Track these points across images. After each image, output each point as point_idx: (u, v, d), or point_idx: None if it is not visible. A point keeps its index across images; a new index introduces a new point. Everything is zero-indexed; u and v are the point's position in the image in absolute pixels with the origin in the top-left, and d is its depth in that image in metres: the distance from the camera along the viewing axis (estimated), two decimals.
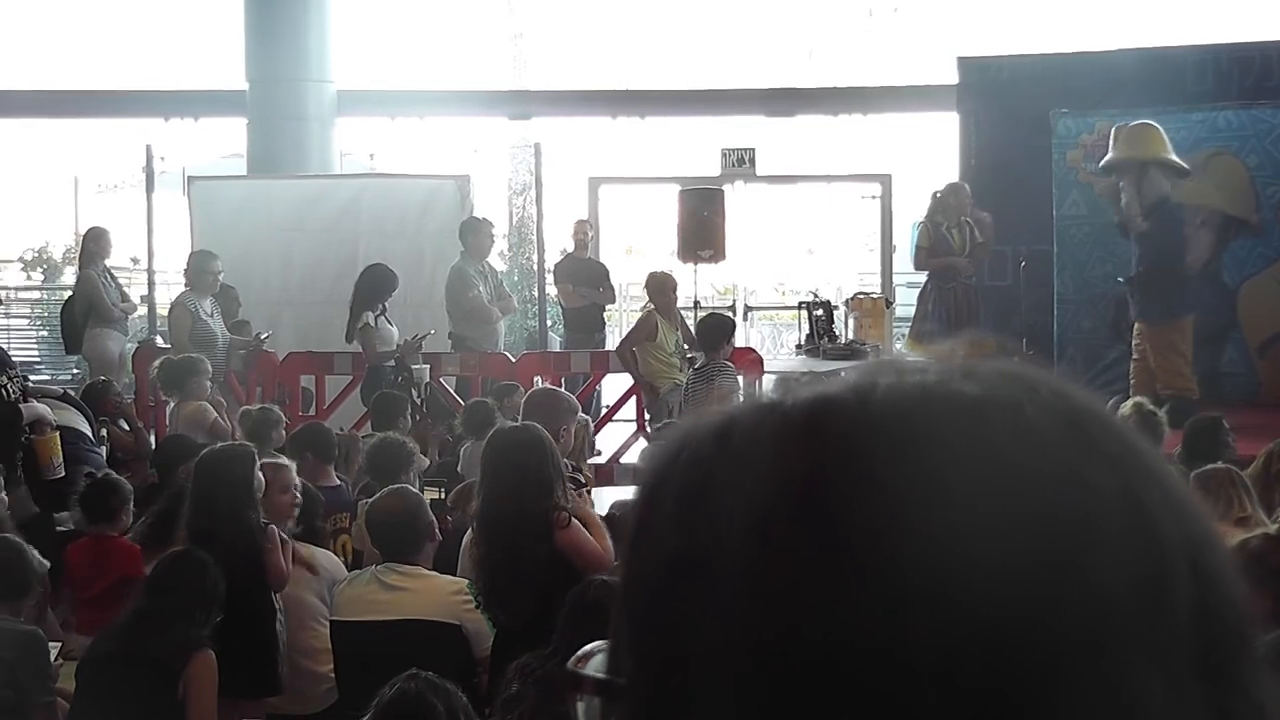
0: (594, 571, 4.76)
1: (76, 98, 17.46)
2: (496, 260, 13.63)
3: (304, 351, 10.67)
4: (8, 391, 7.17)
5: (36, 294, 19.34)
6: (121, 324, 11.51)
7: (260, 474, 5.38)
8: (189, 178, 13.50)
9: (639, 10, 20.78)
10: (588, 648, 0.73)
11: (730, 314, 11.48)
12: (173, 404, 8.84)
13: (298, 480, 5.78)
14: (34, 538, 5.38)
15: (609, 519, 5.04)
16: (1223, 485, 5.16)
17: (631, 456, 9.76)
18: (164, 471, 6.86)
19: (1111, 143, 10.03)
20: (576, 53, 20.43)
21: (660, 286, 10.22)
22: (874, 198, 15.81)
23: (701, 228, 12.01)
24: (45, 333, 17.55)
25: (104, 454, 7.84)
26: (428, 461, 7.30)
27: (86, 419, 7.82)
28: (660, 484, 0.68)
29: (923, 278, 11.44)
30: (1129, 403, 7.14)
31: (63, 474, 6.99)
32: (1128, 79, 11.25)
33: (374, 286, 10.00)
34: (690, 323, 10.62)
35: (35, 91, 17.63)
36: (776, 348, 16.85)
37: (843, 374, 0.68)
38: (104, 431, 8.08)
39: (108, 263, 11.70)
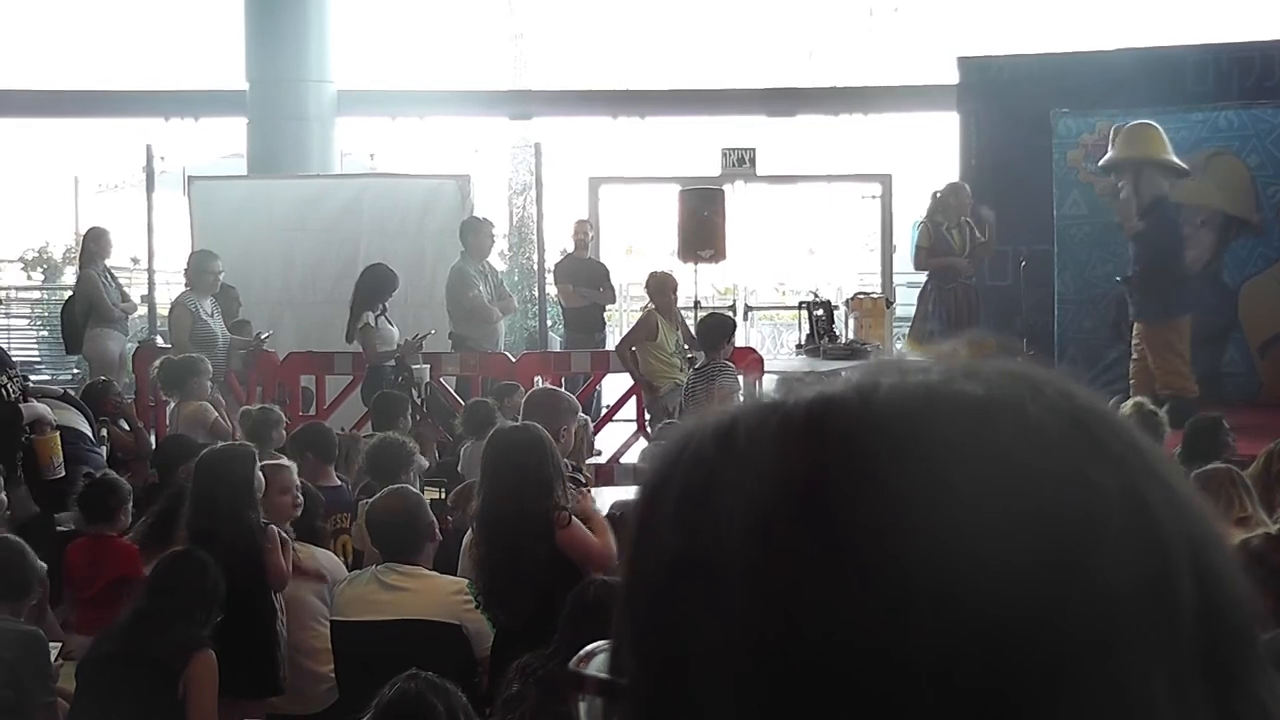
0: (597, 569, 4.77)
1: (77, 97, 17.46)
2: (497, 260, 13.64)
3: (304, 351, 10.67)
4: (8, 391, 7.17)
5: (37, 294, 19.36)
6: (122, 324, 11.51)
7: (260, 474, 5.38)
8: (189, 178, 13.50)
9: (639, 10, 20.79)
10: (590, 647, 0.72)
11: (730, 314, 11.48)
12: (173, 404, 8.84)
13: (298, 481, 5.78)
14: (34, 538, 5.38)
15: (611, 519, 5.03)
16: (1223, 485, 5.16)
17: (631, 457, 9.76)
18: (164, 471, 6.86)
19: (1111, 142, 10.04)
20: (577, 53, 20.44)
21: (661, 286, 10.22)
22: (874, 198, 15.81)
23: (702, 228, 12.00)
24: (45, 333, 17.56)
25: (104, 454, 7.84)
26: (427, 463, 7.30)
27: (87, 419, 7.82)
28: (662, 484, 0.68)
29: (923, 278, 11.44)
30: (1129, 403, 7.14)
31: (63, 474, 6.99)
32: (1128, 79, 11.25)
33: (374, 286, 10.00)
34: (690, 323, 10.62)
35: (35, 91, 17.63)
36: (777, 348, 16.84)
37: (845, 374, 0.67)
38: (104, 431, 8.08)
39: (108, 263, 11.70)
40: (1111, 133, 10.12)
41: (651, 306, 10.30)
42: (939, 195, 11.25)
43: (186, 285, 10.58)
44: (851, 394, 0.65)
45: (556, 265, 12.89)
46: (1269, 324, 11.31)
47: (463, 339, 10.78)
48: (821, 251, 20.70)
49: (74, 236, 17.29)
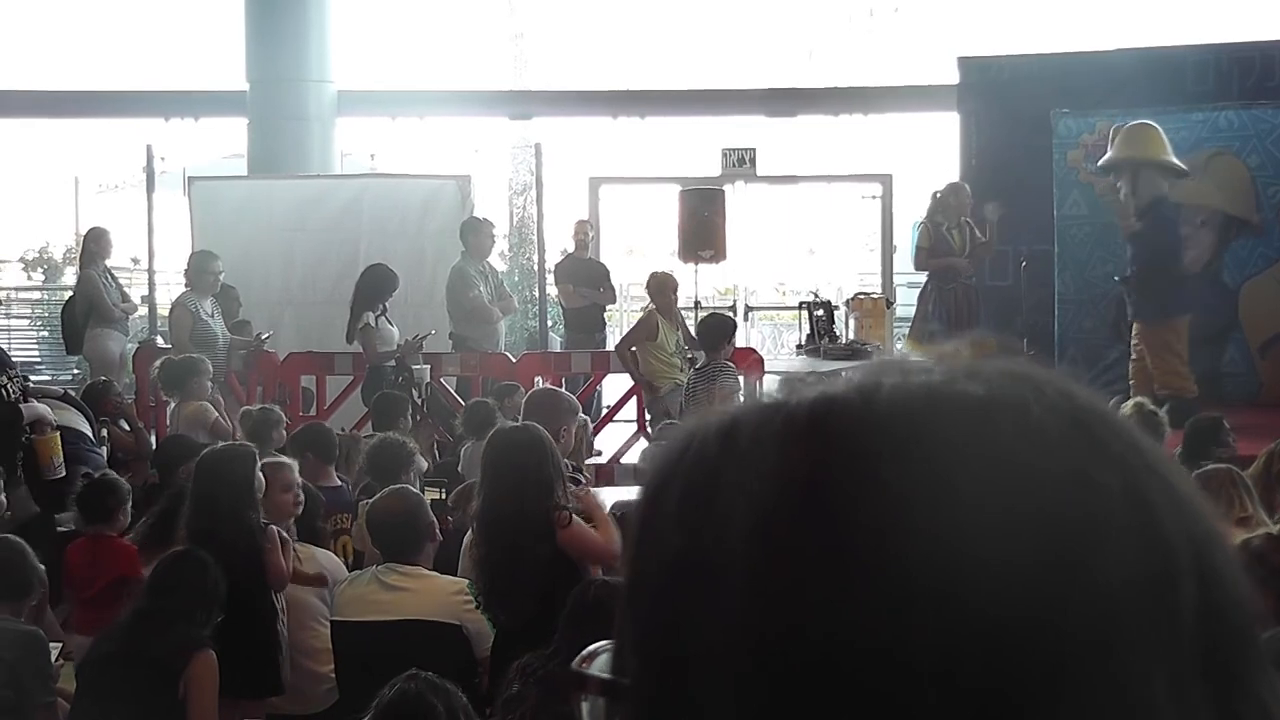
0: (600, 566, 4.78)
1: (77, 98, 17.46)
2: (497, 260, 13.63)
3: (305, 352, 10.67)
4: (8, 391, 7.17)
5: (37, 294, 19.36)
6: (122, 324, 11.52)
7: (261, 474, 5.38)
8: (189, 178, 13.50)
9: (639, 10, 20.80)
10: (592, 647, 0.72)
11: (731, 314, 11.48)
12: (173, 404, 8.84)
13: (299, 479, 5.78)
14: (34, 538, 5.38)
15: (613, 519, 5.03)
16: (1223, 485, 5.16)
17: (632, 457, 9.76)
18: (164, 472, 6.86)
19: (1110, 143, 10.04)
20: (577, 53, 20.46)
21: (661, 287, 10.22)
22: (874, 198, 15.81)
23: (702, 228, 12.00)
24: (46, 333, 17.56)
25: (104, 454, 7.84)
26: (426, 464, 7.30)
27: (87, 419, 7.82)
28: (664, 484, 0.68)
29: (923, 278, 11.44)
30: (1130, 403, 7.14)
31: (63, 474, 6.98)
32: (1128, 79, 11.26)
33: (375, 287, 10.00)
34: (691, 323, 10.62)
35: (36, 91, 17.63)
36: (777, 348, 16.85)
37: (847, 374, 0.67)
38: (104, 432, 8.08)
39: (108, 263, 11.70)
40: (1111, 133, 10.12)
41: (652, 307, 10.30)
42: (939, 195, 11.24)
43: (187, 285, 10.58)
44: (854, 394, 0.65)
45: (557, 265, 12.88)
46: (1269, 324, 11.31)
47: (463, 339, 10.78)
48: (822, 252, 20.72)
49: (74, 237, 17.30)
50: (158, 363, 9.07)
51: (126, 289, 12.00)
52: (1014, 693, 0.59)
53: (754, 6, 20.68)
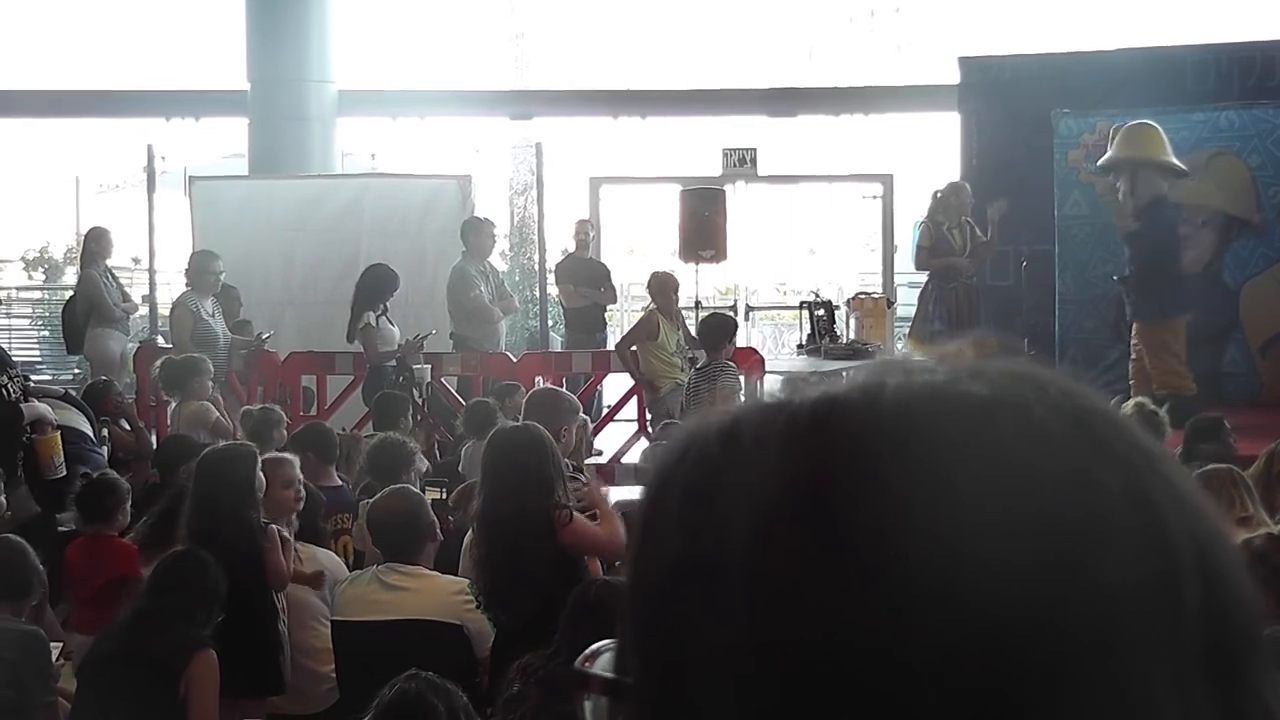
0: (606, 558, 4.78)
1: (78, 97, 17.46)
2: (498, 260, 13.63)
3: (305, 351, 10.67)
4: (9, 391, 7.17)
5: (38, 294, 19.36)
6: (123, 324, 11.52)
7: (261, 474, 5.38)
8: (190, 178, 13.51)
9: (640, 10, 20.80)
10: (595, 646, 0.72)
11: (732, 314, 11.47)
12: (174, 404, 8.83)
13: (300, 475, 5.78)
14: (35, 538, 5.38)
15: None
16: (1224, 485, 5.15)
17: (632, 457, 9.76)
18: (165, 471, 6.86)
19: (1110, 142, 10.04)
20: (578, 53, 20.46)
21: (662, 286, 10.22)
22: (875, 198, 15.80)
23: (703, 228, 12.00)
24: (46, 333, 17.56)
25: (105, 454, 7.84)
26: (426, 464, 7.30)
27: (88, 419, 7.82)
28: (665, 485, 0.68)
29: (924, 278, 11.43)
30: (1130, 402, 7.14)
31: (64, 474, 6.98)
32: (1129, 79, 11.26)
33: (375, 286, 10.00)
34: (691, 323, 10.61)
35: (36, 91, 17.64)
36: (778, 348, 16.84)
37: (850, 374, 0.67)
38: (105, 431, 8.08)
39: (109, 263, 11.71)
40: (1111, 133, 10.12)
41: (653, 306, 10.30)
42: (940, 195, 11.24)
43: (187, 285, 10.58)
44: (857, 394, 0.65)
45: (557, 265, 12.88)
46: (1269, 324, 11.31)
47: (464, 339, 10.78)
48: (822, 251, 20.72)
49: (75, 236, 17.30)
50: (158, 362, 9.07)
51: (127, 289, 12.00)
52: (1014, 693, 0.59)
53: (754, 6, 20.68)
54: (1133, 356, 9.79)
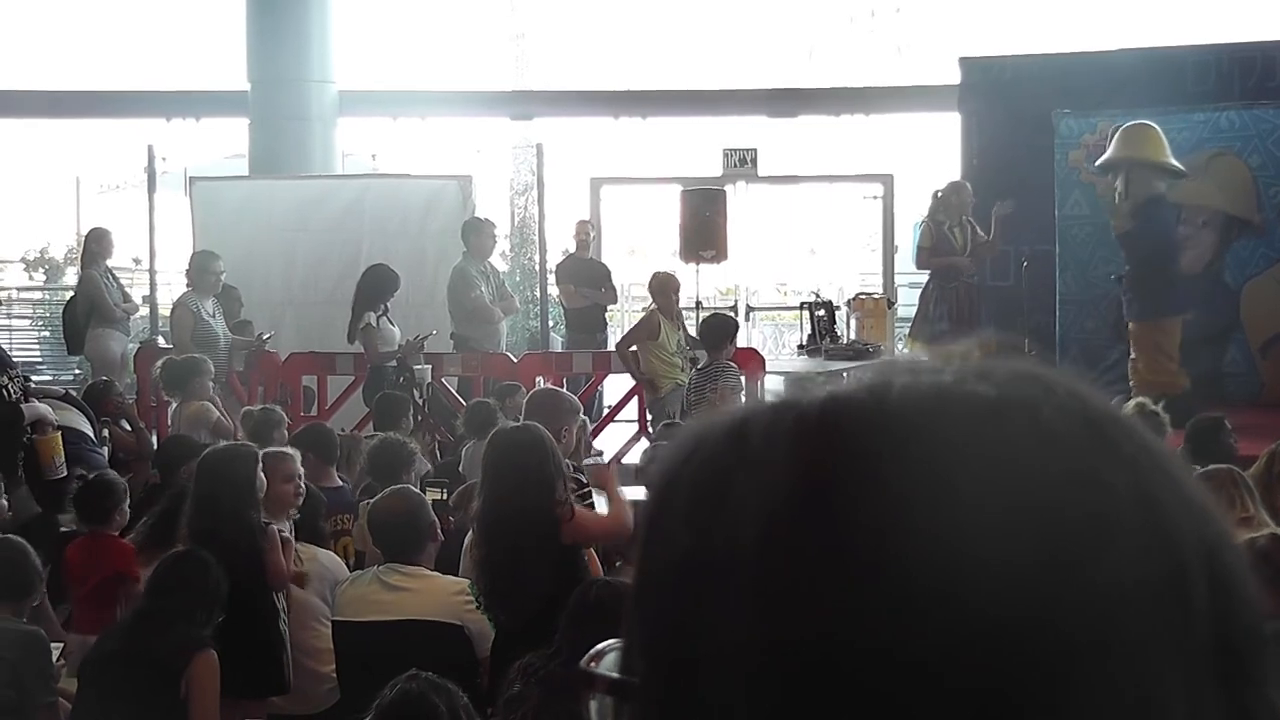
0: (614, 542, 4.79)
1: (78, 98, 17.46)
2: (498, 260, 13.64)
3: (306, 352, 10.67)
4: (9, 392, 7.18)
5: (38, 294, 19.36)
6: (123, 324, 11.52)
7: (262, 475, 5.38)
8: (191, 178, 13.51)
9: (641, 10, 20.79)
10: (601, 646, 0.72)
11: (732, 314, 11.48)
12: (174, 404, 8.84)
13: (301, 470, 5.78)
14: (36, 538, 5.38)
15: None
16: (1225, 485, 5.15)
17: (633, 457, 9.75)
18: (166, 472, 6.87)
19: (1109, 142, 10.05)
20: (578, 53, 20.46)
21: (663, 287, 10.21)
22: (876, 198, 15.80)
23: (703, 228, 12.00)
24: (47, 333, 17.56)
25: (106, 454, 7.84)
26: (427, 465, 7.31)
27: (88, 419, 7.83)
28: (673, 484, 0.68)
29: (924, 278, 11.43)
30: (1131, 403, 7.14)
31: (64, 474, 6.99)
32: (1129, 79, 11.26)
33: (376, 287, 10.01)
34: (692, 323, 10.62)
35: (37, 92, 17.63)
36: (778, 348, 16.84)
37: (859, 374, 0.67)
38: (106, 432, 8.08)
39: (110, 263, 11.71)
40: (1110, 133, 10.13)
41: (654, 306, 10.30)
42: (941, 194, 11.24)
43: (188, 286, 10.58)
44: (864, 394, 0.65)
45: (558, 266, 12.89)
46: (1270, 324, 11.30)
47: (464, 339, 10.78)
48: (823, 252, 20.71)
49: (75, 237, 17.31)
50: (159, 363, 9.07)
51: (128, 289, 12.01)
52: (1013, 692, 0.59)
53: (755, 6, 20.68)
54: (1132, 356, 9.80)
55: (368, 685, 3.60)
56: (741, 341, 10.29)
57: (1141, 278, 9.67)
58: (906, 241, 14.75)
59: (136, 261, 15.97)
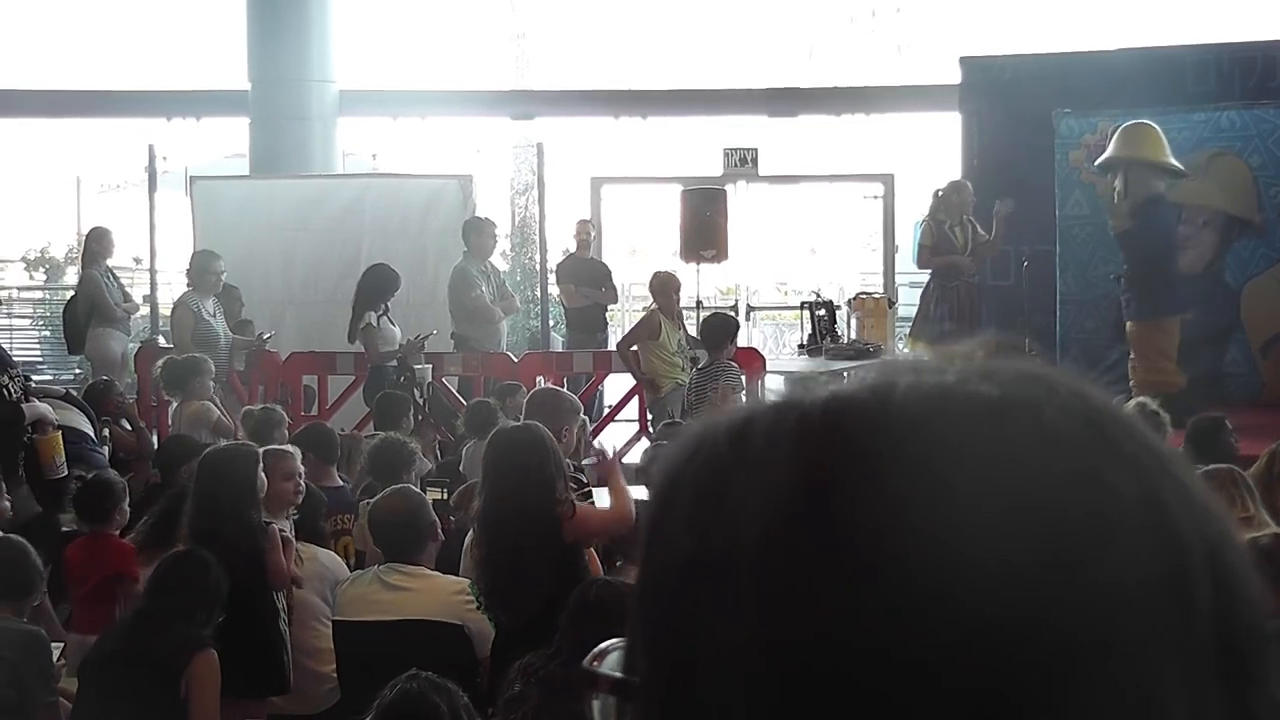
0: (618, 533, 4.80)
1: (79, 97, 17.47)
2: (499, 260, 13.63)
3: (306, 351, 10.68)
4: (9, 391, 7.18)
5: (39, 294, 19.37)
6: (124, 324, 11.52)
7: (263, 475, 5.38)
8: (191, 177, 13.52)
9: (641, 10, 20.80)
10: (603, 645, 0.72)
11: (733, 314, 11.47)
12: (175, 404, 8.84)
13: (301, 468, 5.78)
14: (36, 537, 5.38)
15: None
16: (1225, 485, 5.15)
17: (633, 457, 9.75)
18: (166, 471, 6.87)
19: (1109, 142, 10.05)
20: (579, 52, 20.47)
21: (664, 286, 10.21)
22: (876, 198, 15.81)
23: (704, 228, 12.00)
24: (47, 333, 17.56)
25: (106, 454, 7.85)
26: (430, 464, 7.31)
27: (89, 419, 7.83)
28: (675, 484, 0.68)
29: (925, 277, 11.43)
30: (1132, 402, 7.12)
31: (65, 473, 6.99)
32: (1130, 79, 11.26)
33: (376, 286, 10.01)
34: (692, 323, 10.61)
35: (37, 91, 17.64)
36: (779, 348, 16.85)
37: (862, 374, 0.67)
38: (106, 431, 8.08)
39: (110, 263, 11.71)
40: (1110, 133, 10.13)
41: (654, 306, 10.30)
42: (942, 193, 11.24)
43: (189, 285, 10.58)
44: (868, 394, 0.65)
45: (558, 265, 12.89)
46: (1270, 324, 11.30)
47: (465, 339, 10.78)
48: (823, 251, 20.71)
49: (76, 236, 17.32)
50: (160, 362, 9.07)
51: (128, 289, 12.01)
52: (1012, 693, 0.59)
53: (755, 6, 20.68)
54: (1132, 356, 9.80)
55: (368, 685, 3.59)
56: (742, 341, 10.29)
57: (1140, 277, 9.67)
58: (907, 241, 14.75)
59: (137, 261, 15.97)
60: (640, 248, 18.15)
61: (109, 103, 17.44)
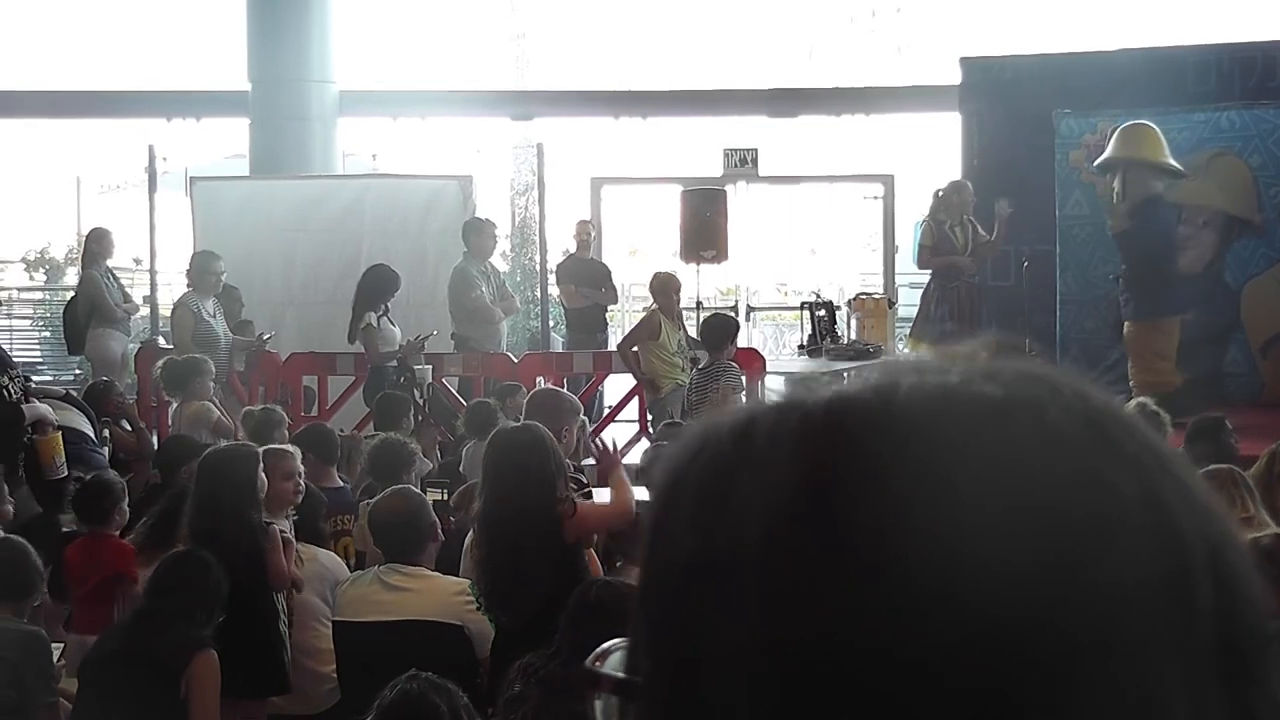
0: (619, 527, 4.81)
1: (79, 98, 17.47)
2: (499, 261, 13.64)
3: (306, 352, 10.67)
4: (9, 392, 7.18)
5: (39, 294, 19.37)
6: (124, 324, 11.53)
7: (263, 475, 5.38)
8: (191, 178, 13.52)
9: (641, 10, 20.80)
10: (606, 645, 0.72)
11: (733, 314, 11.47)
12: (175, 404, 8.84)
13: (301, 468, 5.78)
14: (36, 538, 5.38)
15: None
16: (1225, 485, 5.15)
17: (633, 457, 9.75)
18: (166, 472, 6.87)
19: (1109, 142, 10.06)
20: (579, 53, 20.46)
21: (664, 287, 10.22)
22: (876, 198, 15.81)
23: (704, 228, 12.00)
24: (47, 333, 17.57)
25: (106, 454, 7.84)
26: (430, 465, 7.31)
27: (89, 419, 7.83)
28: (678, 484, 0.68)
29: (925, 277, 11.43)
30: (1132, 403, 7.13)
31: (65, 474, 6.99)
32: (1130, 79, 11.26)
33: (376, 287, 10.01)
34: (692, 324, 10.61)
35: (38, 92, 17.64)
36: (779, 348, 16.85)
37: (864, 374, 0.67)
38: (106, 432, 8.08)
39: (110, 263, 11.71)
40: (1110, 133, 10.13)
41: (655, 307, 10.30)
42: (942, 193, 11.24)
43: (189, 286, 10.59)
44: (871, 394, 0.65)
45: (559, 266, 12.89)
46: (1270, 324, 11.31)
47: (465, 340, 10.78)
48: (823, 252, 20.71)
49: (76, 237, 17.32)
50: (160, 363, 9.07)
51: (128, 289, 12.01)
52: (1014, 692, 0.59)
53: (756, 6, 20.68)
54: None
55: (368, 685, 3.60)
56: (742, 342, 10.29)
57: (1139, 277, 9.68)
58: (907, 241, 14.75)
59: (137, 261, 15.97)
60: (640, 248, 18.15)
61: (109, 103, 17.44)
